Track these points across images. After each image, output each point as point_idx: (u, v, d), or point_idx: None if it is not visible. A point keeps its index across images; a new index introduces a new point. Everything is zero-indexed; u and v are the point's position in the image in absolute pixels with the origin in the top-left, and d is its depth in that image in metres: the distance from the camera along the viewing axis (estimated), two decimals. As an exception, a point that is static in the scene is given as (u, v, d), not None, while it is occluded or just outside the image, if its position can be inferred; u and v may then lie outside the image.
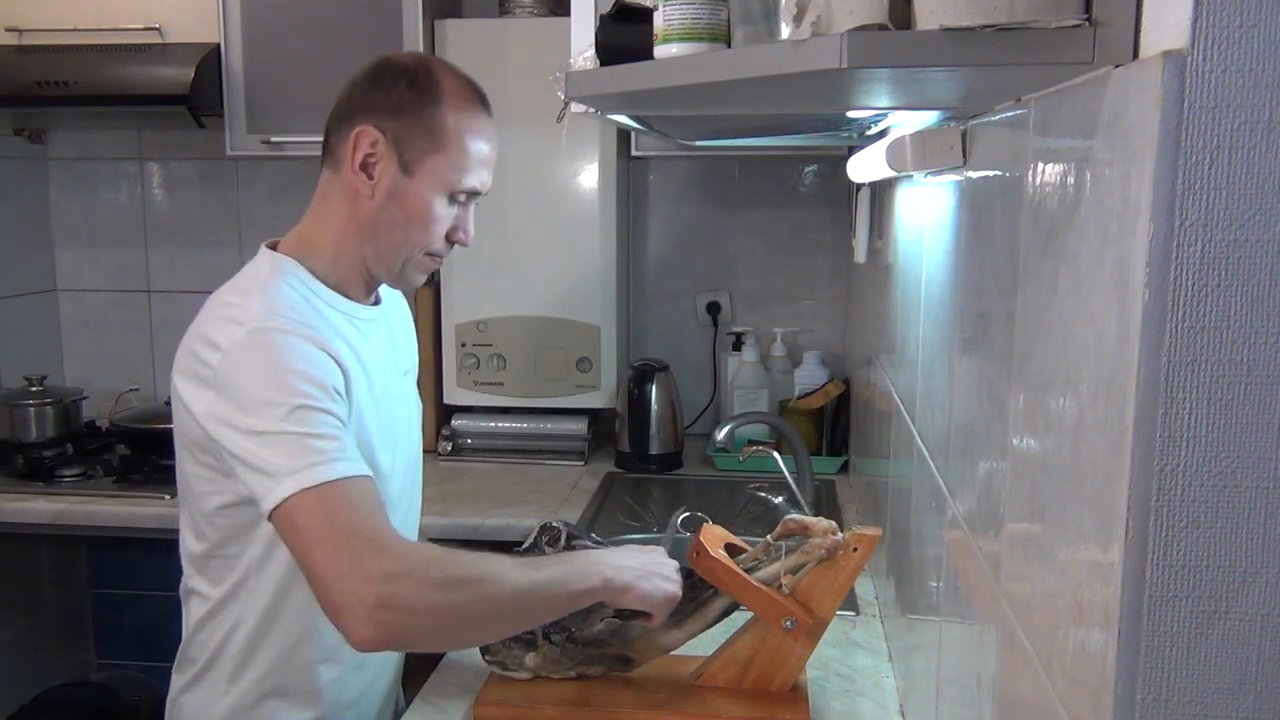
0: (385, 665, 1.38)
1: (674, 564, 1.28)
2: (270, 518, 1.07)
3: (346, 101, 1.25)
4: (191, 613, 1.27)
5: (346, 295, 1.27)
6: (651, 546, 1.30)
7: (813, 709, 1.29)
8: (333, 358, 1.16)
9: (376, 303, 1.34)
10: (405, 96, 1.21)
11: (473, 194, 1.27)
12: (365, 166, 1.22)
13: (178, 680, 1.30)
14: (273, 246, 1.28)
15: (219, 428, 1.11)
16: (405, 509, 1.38)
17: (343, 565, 1.02)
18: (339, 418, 1.12)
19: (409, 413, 1.39)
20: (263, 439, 1.08)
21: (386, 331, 1.35)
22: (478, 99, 1.27)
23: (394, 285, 1.34)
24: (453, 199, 1.25)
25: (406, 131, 1.21)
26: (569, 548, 1.31)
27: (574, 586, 1.16)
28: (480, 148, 1.25)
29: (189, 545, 1.25)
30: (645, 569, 1.23)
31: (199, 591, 1.26)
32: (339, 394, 1.14)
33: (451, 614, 1.07)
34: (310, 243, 1.27)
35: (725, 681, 1.31)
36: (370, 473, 1.11)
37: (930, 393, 1.19)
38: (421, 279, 1.32)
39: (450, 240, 1.28)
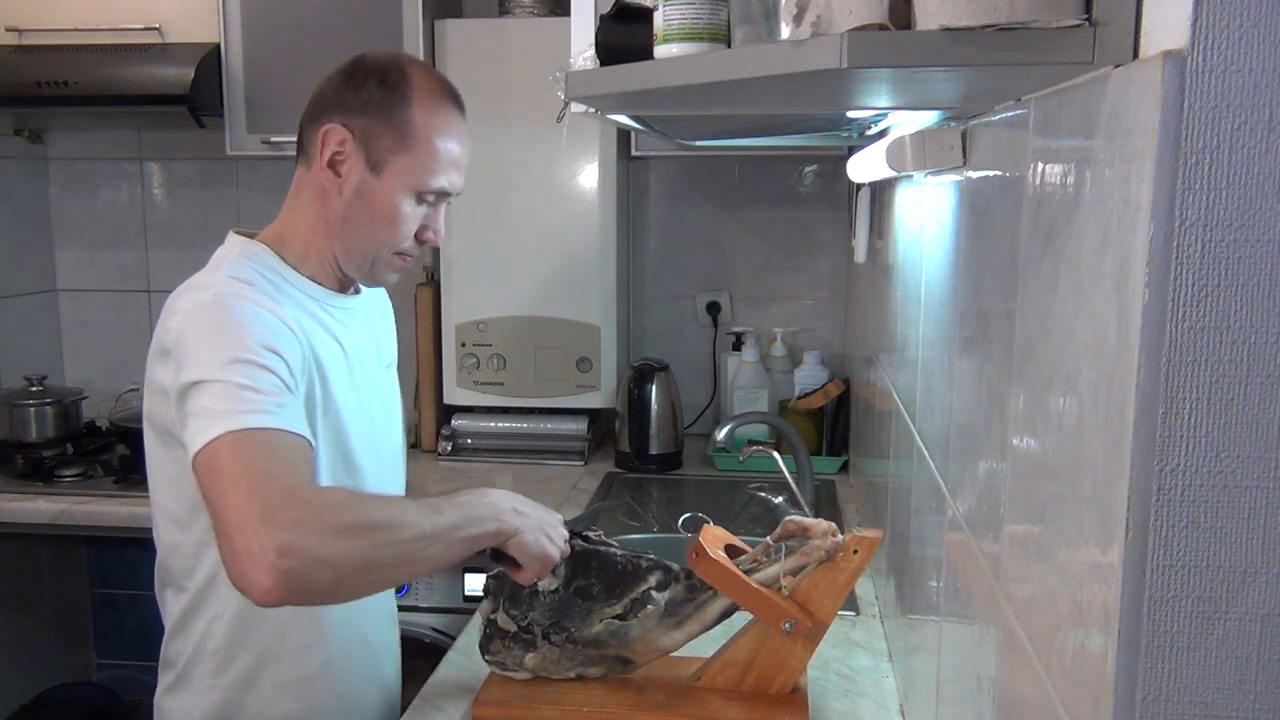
0: (381, 655, 1.38)
1: (565, 532, 1.27)
2: (194, 464, 1.03)
3: (319, 98, 1.25)
4: (169, 612, 1.27)
5: (319, 285, 1.28)
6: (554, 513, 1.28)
7: (813, 709, 1.29)
8: (290, 329, 1.16)
9: (356, 292, 1.34)
10: (375, 95, 1.21)
11: (442, 195, 1.26)
12: (333, 164, 1.23)
13: (161, 682, 1.30)
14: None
15: (175, 395, 1.09)
16: None
17: (251, 511, 0.97)
18: (283, 380, 1.11)
19: (388, 405, 1.39)
20: (201, 387, 1.06)
21: (366, 323, 1.35)
22: (449, 99, 1.26)
23: (366, 283, 1.33)
24: (421, 199, 1.25)
25: (374, 130, 1.21)
26: (570, 547, 1.31)
27: (470, 531, 1.14)
28: (450, 149, 1.25)
29: (161, 538, 1.25)
30: (539, 524, 1.23)
31: (173, 586, 1.26)
32: (286, 361, 1.12)
33: (355, 562, 1.01)
34: (283, 237, 1.29)
35: (725, 683, 1.31)
36: (309, 436, 1.09)
37: (930, 393, 1.19)
38: (394, 278, 1.32)
39: (420, 240, 1.28)
